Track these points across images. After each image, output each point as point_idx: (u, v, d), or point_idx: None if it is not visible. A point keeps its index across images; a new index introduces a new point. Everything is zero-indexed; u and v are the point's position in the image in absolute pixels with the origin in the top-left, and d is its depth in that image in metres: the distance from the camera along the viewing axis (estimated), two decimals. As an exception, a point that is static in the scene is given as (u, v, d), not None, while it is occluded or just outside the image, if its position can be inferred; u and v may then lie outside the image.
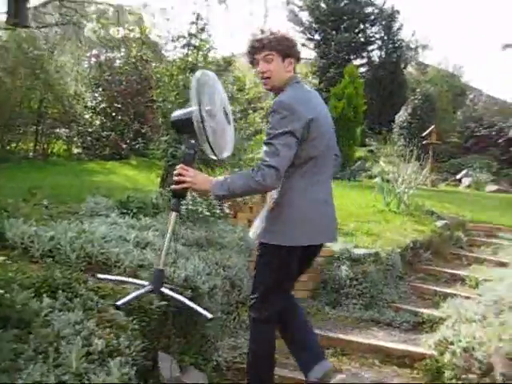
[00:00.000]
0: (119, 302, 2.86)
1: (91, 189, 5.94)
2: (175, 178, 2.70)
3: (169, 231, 2.94)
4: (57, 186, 6.08)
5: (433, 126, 13.77)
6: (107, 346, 2.47)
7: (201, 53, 5.32)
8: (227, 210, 5.07)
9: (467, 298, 4.96)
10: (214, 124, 2.78)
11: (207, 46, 5.32)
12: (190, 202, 4.66)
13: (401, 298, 5.27)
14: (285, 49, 2.73)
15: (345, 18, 21.50)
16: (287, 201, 2.73)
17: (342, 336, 4.31)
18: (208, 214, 4.70)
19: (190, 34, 5.22)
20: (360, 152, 16.78)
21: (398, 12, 21.81)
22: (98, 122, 11.23)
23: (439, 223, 6.90)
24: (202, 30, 5.24)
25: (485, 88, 39.76)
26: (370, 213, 6.94)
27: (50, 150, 10.42)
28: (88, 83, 11.42)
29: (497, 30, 56.95)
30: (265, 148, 2.58)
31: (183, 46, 5.24)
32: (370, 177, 14.27)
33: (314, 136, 2.66)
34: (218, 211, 4.87)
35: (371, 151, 17.88)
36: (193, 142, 2.76)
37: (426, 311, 4.87)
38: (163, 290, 3.03)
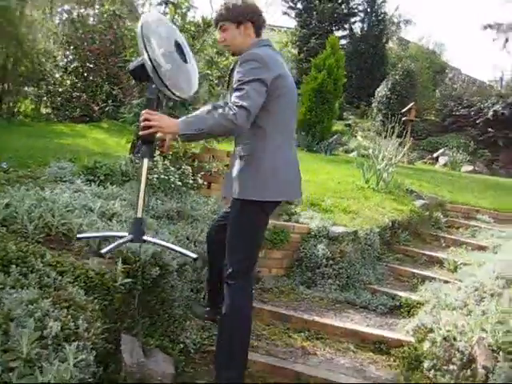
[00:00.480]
0: (103, 250, 2.87)
1: (57, 152, 5.59)
2: (141, 124, 2.68)
3: (142, 179, 2.92)
4: (20, 147, 5.71)
5: (412, 103, 13.57)
6: (63, 329, 2.21)
7: (179, 11, 4.95)
8: (200, 181, 4.79)
9: (446, 282, 4.81)
10: (167, 66, 2.80)
11: (186, 4, 4.95)
12: (162, 171, 4.36)
13: (378, 279, 5.09)
14: (236, 16, 2.84)
15: (328, -14, 21.00)
16: (259, 157, 2.80)
17: (317, 319, 4.10)
18: (180, 183, 4.42)
19: (168, -10, 4.85)
20: (337, 126, 16.55)
21: (382, -16, 21.41)
22: (68, 82, 10.73)
23: (418, 203, 6.72)
24: (181, -14, 4.88)
25: (463, 67, 39.90)
26: (349, 189, 6.72)
27: (16, 109, 9.92)
28: (59, 40, 10.86)
29: (478, 9, 56.76)
30: (235, 93, 2.63)
31: (160, 3, 4.88)
32: (347, 151, 14.09)
33: (283, 92, 2.78)
34: (190, 181, 4.59)
35: (349, 125, 17.68)
36: (153, 86, 2.79)
37: (403, 294, 4.70)
38: (145, 237, 2.98)
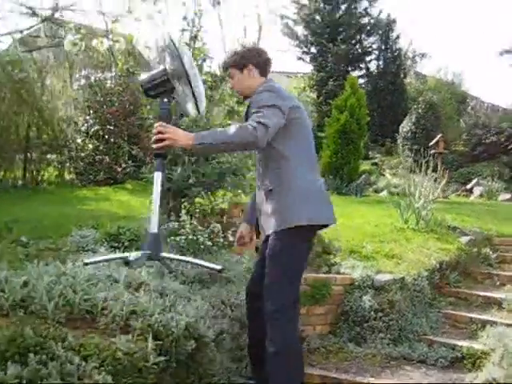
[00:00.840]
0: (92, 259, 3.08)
1: (80, 219, 5.36)
2: (155, 137, 2.71)
3: (155, 194, 2.93)
4: (42, 217, 5.49)
5: (440, 135, 13.21)
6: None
7: (194, 63, 4.76)
8: (231, 238, 4.47)
9: (509, 325, 4.35)
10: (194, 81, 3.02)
11: (202, 55, 4.77)
12: (189, 231, 4.07)
13: (433, 328, 4.66)
14: (238, 61, 3.00)
15: (341, 29, 21.08)
16: (289, 185, 2.82)
17: (372, 380, 3.70)
18: (210, 243, 4.12)
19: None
20: (364, 165, 16.22)
21: (394, 21, 21.41)
22: (90, 146, 10.67)
23: (464, 240, 6.29)
24: (195, 37, 4.71)
25: (483, 95, 39.52)
26: (388, 231, 6.33)
27: (40, 177, 9.85)
28: (78, 106, 10.89)
29: (492, 36, 56.71)
30: (254, 115, 2.70)
31: (175, 56, 4.68)
32: (377, 190, 13.71)
33: (301, 121, 2.88)
34: (221, 240, 4.28)
35: (375, 164, 17.33)
36: (166, 100, 2.89)
37: (464, 343, 4.26)
38: (163, 254, 2.99)
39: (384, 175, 15.73)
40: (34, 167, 9.81)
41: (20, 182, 9.27)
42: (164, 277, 3.65)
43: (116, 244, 4.13)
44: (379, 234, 6.15)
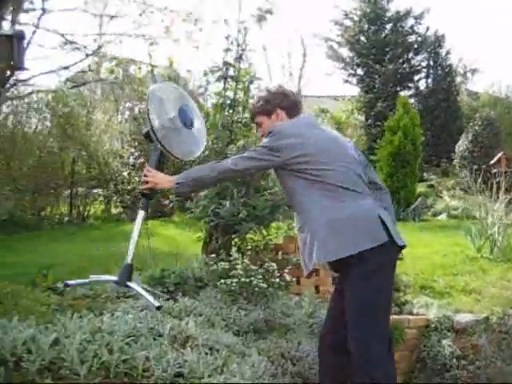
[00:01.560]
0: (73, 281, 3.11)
1: (123, 258, 4.98)
2: (142, 180, 2.97)
3: (135, 230, 3.06)
4: (82, 257, 5.14)
5: (502, 152, 12.40)
6: None
7: (240, 85, 4.37)
8: (288, 277, 3.98)
9: None
10: (168, 133, 3.04)
11: (248, 76, 4.36)
12: (242, 273, 3.60)
13: (527, 377, 4.00)
14: (264, 108, 2.87)
15: (387, 49, 20.47)
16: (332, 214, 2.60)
17: None
18: (265, 285, 3.63)
19: (226, 63, 4.28)
20: (419, 187, 15.46)
21: (443, 37, 20.69)
22: (137, 179, 10.45)
23: (547, 268, 5.59)
24: (240, 57, 4.31)
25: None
26: (459, 261, 5.70)
27: (86, 213, 9.65)
28: (124, 139, 10.72)
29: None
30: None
31: (218, 79, 4.30)
32: (435, 214, 12.95)
33: (316, 148, 2.67)
34: (277, 280, 3.79)
35: (431, 186, 16.51)
36: (158, 146, 3.01)
37: None
38: (130, 284, 2.98)
39: (441, 197, 14.94)
40: (80, 202, 9.64)
41: (66, 219, 9.06)
42: (215, 327, 3.19)
43: (160, 288, 3.70)
44: (450, 266, 5.53)
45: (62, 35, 9.22)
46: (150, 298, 2.92)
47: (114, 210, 10.25)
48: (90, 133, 9.93)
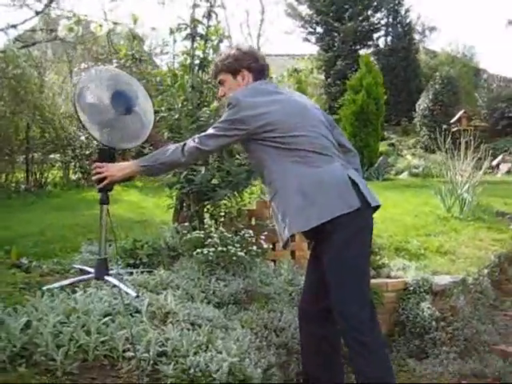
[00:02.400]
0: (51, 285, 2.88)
1: (88, 228, 4.76)
2: (93, 178, 2.86)
3: (103, 224, 3.04)
4: (46, 227, 4.89)
5: (462, 111, 12.50)
6: None
7: (210, 43, 4.12)
8: (265, 245, 3.85)
9: None
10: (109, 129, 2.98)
11: (217, 34, 4.12)
12: (218, 241, 3.45)
13: (502, 335, 4.04)
14: (232, 66, 2.69)
15: (346, 6, 20.24)
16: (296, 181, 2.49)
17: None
18: (243, 254, 3.49)
19: (194, 20, 4.02)
20: (380, 146, 15.53)
21: (403, -6, 20.57)
22: (95, 143, 10.06)
23: (516, 226, 5.66)
24: (209, 14, 4.05)
25: (493, 67, 38.53)
26: (431, 222, 5.69)
27: (44, 180, 9.24)
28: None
29: (498, 7, 55.11)
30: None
31: (186, 37, 4.05)
32: (397, 173, 13.05)
33: (273, 116, 2.52)
34: (254, 248, 3.66)
35: (392, 145, 16.61)
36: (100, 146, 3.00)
37: (544, 354, 3.64)
38: (107, 278, 3.00)
39: (402, 156, 15.06)
40: (36, 169, 9.19)
41: (23, 187, 8.65)
42: (194, 300, 3.05)
43: (133, 261, 3.52)
44: (422, 226, 5.51)
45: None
46: (129, 290, 2.86)
47: (72, 176, 9.86)
48: (44, 96, 9.44)
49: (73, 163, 9.88)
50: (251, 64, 2.69)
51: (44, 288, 2.84)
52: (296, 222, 2.47)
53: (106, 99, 3.01)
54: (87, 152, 9.77)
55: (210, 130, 2.62)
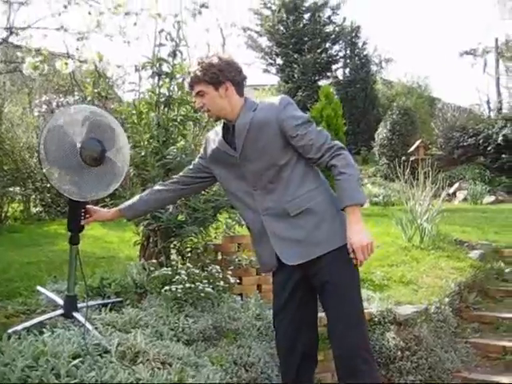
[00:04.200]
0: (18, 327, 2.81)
1: (53, 266, 4.71)
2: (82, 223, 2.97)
3: (71, 263, 3.04)
4: (8, 266, 4.80)
5: (420, 140, 12.87)
6: None
7: (174, 82, 4.19)
8: (232, 279, 3.88)
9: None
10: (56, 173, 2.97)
11: (182, 72, 4.19)
12: (185, 278, 3.47)
13: (464, 362, 4.16)
14: (215, 78, 2.51)
15: (306, 39, 20.78)
16: (326, 200, 2.64)
17: None
18: (210, 289, 3.52)
19: (159, 59, 4.09)
20: (341, 175, 15.80)
21: (359, 28, 21.22)
22: (56, 175, 9.94)
23: (474, 255, 5.83)
24: (174, 52, 4.13)
25: (448, 97, 39.80)
26: (392, 252, 5.82)
27: (3, 214, 9.07)
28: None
29: (452, 38, 57.25)
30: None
31: (152, 75, 4.11)
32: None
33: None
34: (222, 283, 3.69)
35: (352, 173, 16.90)
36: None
37: (502, 380, 3.75)
38: (75, 314, 2.99)
39: (363, 185, 15.35)
40: (-4, 203, 9.02)
41: (-20, 222, 8.48)
42: (164, 338, 3.05)
43: (100, 299, 3.49)
44: (385, 256, 5.64)
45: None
46: (95, 332, 2.83)
47: (33, 210, 9.70)
48: (4, 127, 9.34)
49: (33, 196, 9.73)
50: (235, 76, 2.56)
51: (10, 331, 2.77)
52: (341, 234, 2.51)
53: (77, 147, 2.80)
54: (48, 185, 9.64)
55: (325, 141, 2.50)
